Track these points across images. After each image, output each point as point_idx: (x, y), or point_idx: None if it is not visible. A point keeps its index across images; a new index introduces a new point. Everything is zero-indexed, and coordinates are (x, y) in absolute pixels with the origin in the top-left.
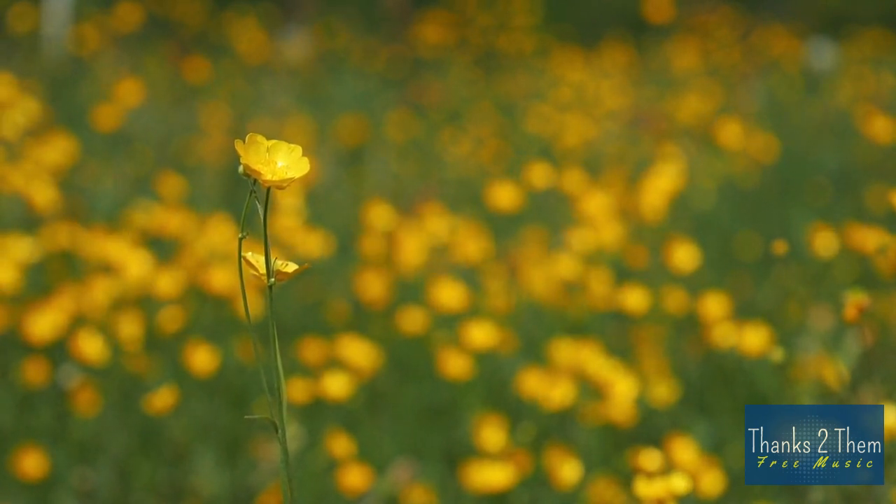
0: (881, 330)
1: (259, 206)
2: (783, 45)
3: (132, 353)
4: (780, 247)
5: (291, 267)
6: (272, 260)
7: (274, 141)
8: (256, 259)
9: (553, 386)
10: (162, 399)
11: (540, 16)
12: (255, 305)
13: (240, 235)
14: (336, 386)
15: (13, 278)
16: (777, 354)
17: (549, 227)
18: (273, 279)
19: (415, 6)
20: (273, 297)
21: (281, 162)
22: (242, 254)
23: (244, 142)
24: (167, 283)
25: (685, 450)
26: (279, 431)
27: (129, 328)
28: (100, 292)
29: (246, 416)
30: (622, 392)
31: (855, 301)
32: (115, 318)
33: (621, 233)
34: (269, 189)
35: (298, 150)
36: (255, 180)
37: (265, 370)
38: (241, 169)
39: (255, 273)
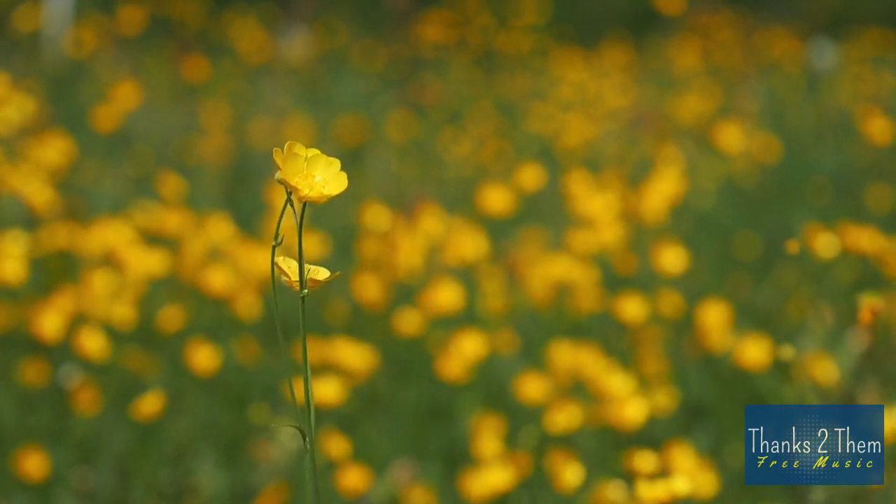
0: (882, 330)
1: (295, 214)
2: (784, 46)
3: (132, 350)
4: (793, 245)
5: (323, 274)
6: (296, 269)
7: (313, 152)
8: (289, 265)
9: (558, 405)
10: (150, 404)
11: (546, 16)
12: (255, 307)
13: (273, 243)
14: (327, 391)
15: (18, 273)
16: (786, 353)
17: (549, 227)
18: (307, 290)
19: (415, 6)
20: (305, 309)
21: (318, 176)
22: (269, 259)
23: (282, 151)
24: (167, 269)
25: (684, 455)
26: (307, 440)
27: (129, 321)
28: (101, 287)
29: (272, 426)
30: (631, 412)
31: (870, 304)
32: (115, 313)
33: (621, 234)
34: (304, 202)
35: (337, 163)
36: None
37: (276, 374)
38: (277, 176)
39: (286, 279)
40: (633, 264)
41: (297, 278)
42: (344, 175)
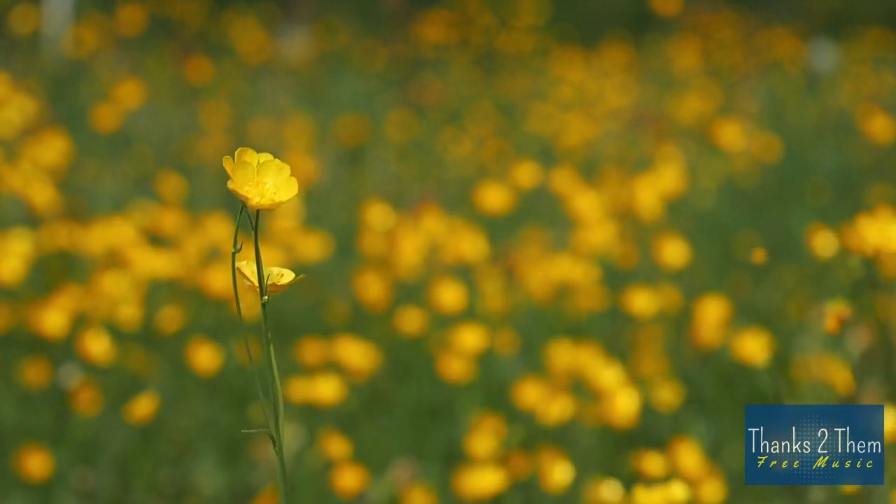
0: (882, 330)
1: (250, 223)
2: (784, 46)
3: (132, 350)
4: (759, 255)
5: (286, 278)
6: (266, 271)
7: (265, 157)
8: (251, 269)
9: (551, 397)
10: (143, 407)
11: (546, 16)
12: (255, 306)
13: (233, 250)
14: (328, 389)
15: (16, 272)
16: (762, 359)
17: (549, 227)
18: (267, 297)
19: (415, 6)
20: (268, 313)
21: (269, 182)
22: (240, 261)
23: (233, 158)
24: (167, 276)
25: (688, 454)
26: (276, 444)
27: (130, 321)
28: (102, 286)
29: (243, 430)
30: (623, 403)
31: (836, 312)
32: (116, 313)
33: (619, 233)
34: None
35: (287, 169)
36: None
37: (262, 382)
38: (228, 186)
39: (248, 284)
40: (633, 260)
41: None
42: (294, 180)
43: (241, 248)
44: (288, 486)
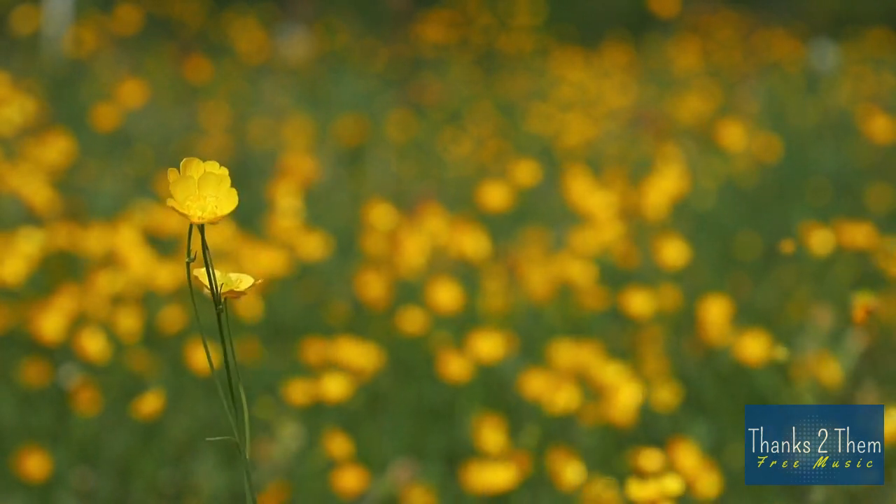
0: (882, 330)
1: (201, 232)
2: (785, 46)
3: (132, 350)
4: (787, 246)
5: (245, 283)
6: (219, 280)
7: (211, 166)
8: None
9: (556, 390)
10: (150, 404)
11: (544, 16)
12: (256, 307)
13: (187, 259)
14: (335, 387)
15: (17, 273)
16: (780, 353)
17: (550, 227)
18: (221, 306)
19: (415, 6)
20: (226, 325)
21: (210, 195)
22: (199, 269)
23: (178, 170)
24: (167, 277)
25: (687, 453)
26: (241, 453)
27: (130, 322)
28: (102, 287)
29: (208, 439)
30: (624, 397)
31: (863, 303)
32: (116, 314)
33: (621, 231)
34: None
35: (227, 180)
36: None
37: (224, 389)
38: (168, 202)
39: (206, 293)
40: (635, 260)
41: (219, 291)
42: (234, 192)
43: (195, 258)
44: (255, 494)
